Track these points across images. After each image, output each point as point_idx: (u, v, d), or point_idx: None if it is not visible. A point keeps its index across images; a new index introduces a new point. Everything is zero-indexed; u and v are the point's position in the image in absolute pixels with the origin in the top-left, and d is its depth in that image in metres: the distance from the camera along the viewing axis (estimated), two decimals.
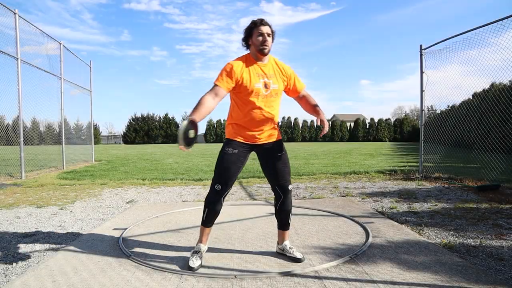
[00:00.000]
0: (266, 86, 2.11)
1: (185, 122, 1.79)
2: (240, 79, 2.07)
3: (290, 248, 2.26)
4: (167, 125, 49.30)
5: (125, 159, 12.08)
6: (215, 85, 2.04)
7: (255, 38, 2.07)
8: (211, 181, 2.20)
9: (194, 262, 2.10)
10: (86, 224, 3.28)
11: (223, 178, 2.11)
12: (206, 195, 2.21)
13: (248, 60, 2.12)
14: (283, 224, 2.29)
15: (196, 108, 1.92)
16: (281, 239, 2.32)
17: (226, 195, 2.17)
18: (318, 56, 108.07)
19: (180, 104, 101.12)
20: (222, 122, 49.85)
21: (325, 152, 15.75)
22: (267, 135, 2.19)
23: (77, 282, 1.91)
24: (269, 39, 2.08)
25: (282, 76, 2.19)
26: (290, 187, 2.23)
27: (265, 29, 2.07)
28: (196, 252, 2.19)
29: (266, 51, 2.09)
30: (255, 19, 2.11)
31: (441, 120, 6.65)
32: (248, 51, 2.17)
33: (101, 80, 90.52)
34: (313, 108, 2.23)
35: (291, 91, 2.27)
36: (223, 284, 1.88)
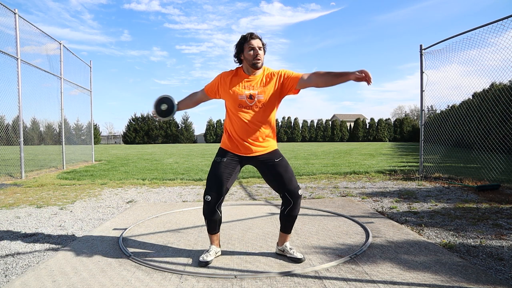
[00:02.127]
0: (251, 97, 2.07)
1: (163, 95, 2.27)
2: (227, 89, 2.10)
3: (291, 248, 2.26)
4: (167, 125, 49.32)
5: (125, 159, 12.08)
6: (203, 87, 2.28)
7: (246, 53, 2.04)
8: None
9: (204, 258, 2.15)
10: (86, 224, 3.28)
11: (212, 187, 2.10)
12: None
13: (238, 72, 2.14)
14: (287, 228, 2.24)
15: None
16: (281, 241, 2.29)
17: (219, 204, 2.13)
18: (318, 56, 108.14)
19: None
20: (222, 122, 49.88)
21: (325, 152, 15.75)
22: (257, 147, 2.14)
23: (77, 282, 1.91)
24: (260, 52, 2.05)
25: (272, 82, 2.10)
26: (300, 192, 2.14)
27: (255, 43, 2.03)
28: (207, 250, 2.24)
29: (259, 65, 2.05)
30: (244, 34, 2.07)
31: (441, 120, 6.65)
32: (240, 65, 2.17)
33: (101, 80, 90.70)
34: (335, 77, 1.92)
35: (293, 84, 2.08)
36: (223, 284, 1.88)
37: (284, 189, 2.12)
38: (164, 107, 2.25)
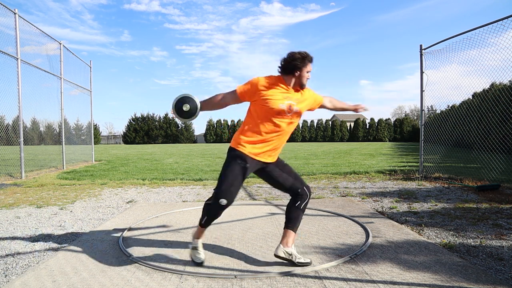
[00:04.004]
0: (290, 108, 2.11)
1: (186, 94, 2.12)
2: (265, 95, 2.07)
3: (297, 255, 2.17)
4: (167, 125, 49.30)
5: (125, 159, 12.08)
6: (235, 89, 2.15)
7: (304, 73, 2.13)
8: (213, 188, 2.16)
9: (200, 257, 2.18)
10: (86, 224, 3.28)
11: (231, 192, 2.04)
12: (206, 203, 2.20)
13: (279, 81, 2.14)
14: (297, 223, 2.19)
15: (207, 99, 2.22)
16: (289, 241, 2.15)
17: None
18: (318, 56, 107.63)
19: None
20: (222, 122, 49.87)
21: (325, 152, 15.75)
22: (278, 153, 2.25)
23: (77, 282, 1.91)
24: None
25: (307, 99, 2.24)
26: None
27: (312, 67, 2.19)
28: (195, 248, 2.24)
29: (306, 86, 2.22)
30: (304, 53, 2.11)
31: (441, 120, 6.65)
32: (279, 74, 2.18)
33: (101, 80, 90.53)
34: (341, 108, 2.52)
35: (317, 106, 2.39)
36: (223, 284, 1.88)
37: (300, 183, 2.22)
38: (186, 107, 2.07)
